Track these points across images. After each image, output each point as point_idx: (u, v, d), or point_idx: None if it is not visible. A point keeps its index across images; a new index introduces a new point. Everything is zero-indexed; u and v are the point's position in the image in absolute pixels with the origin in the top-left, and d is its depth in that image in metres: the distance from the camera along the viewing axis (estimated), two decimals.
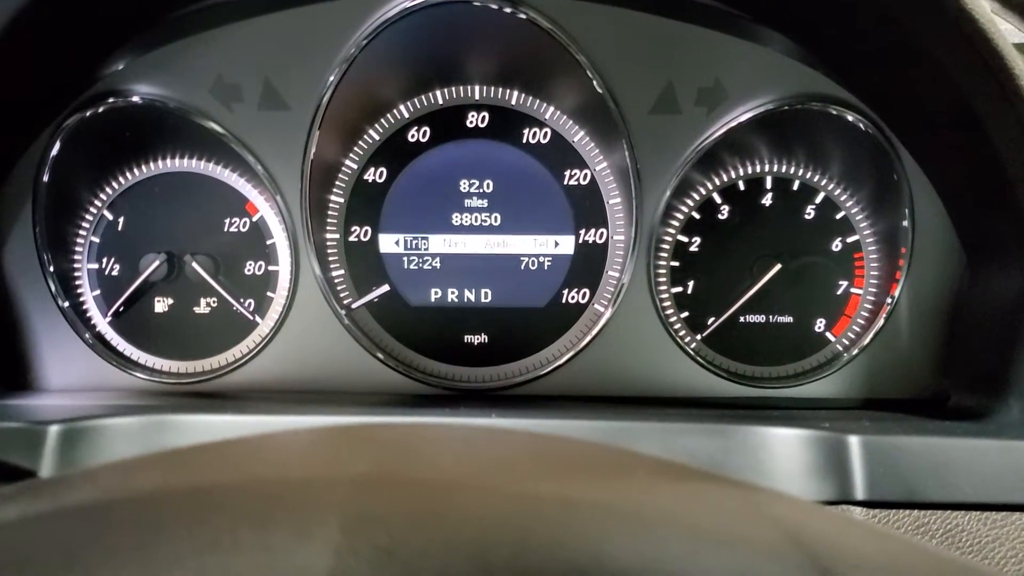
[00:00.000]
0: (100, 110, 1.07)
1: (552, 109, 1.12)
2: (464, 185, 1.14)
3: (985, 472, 0.76)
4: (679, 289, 1.14)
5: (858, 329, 1.13)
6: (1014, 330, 0.89)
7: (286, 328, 1.13)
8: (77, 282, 1.14)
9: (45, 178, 1.08)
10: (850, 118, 1.06)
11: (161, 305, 1.15)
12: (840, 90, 1.06)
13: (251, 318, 1.15)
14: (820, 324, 1.14)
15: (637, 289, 1.13)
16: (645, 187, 1.10)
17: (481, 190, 1.14)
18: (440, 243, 1.15)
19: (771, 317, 1.15)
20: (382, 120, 1.13)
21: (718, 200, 1.13)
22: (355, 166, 1.13)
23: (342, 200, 1.14)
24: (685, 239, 1.14)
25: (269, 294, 1.15)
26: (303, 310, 1.13)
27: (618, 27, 1.05)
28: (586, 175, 1.14)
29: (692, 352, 1.13)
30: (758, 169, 1.13)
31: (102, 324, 1.15)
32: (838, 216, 1.13)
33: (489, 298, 1.16)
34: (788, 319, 1.15)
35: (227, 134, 1.09)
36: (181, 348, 1.15)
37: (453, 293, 1.16)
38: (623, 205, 1.13)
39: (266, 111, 1.08)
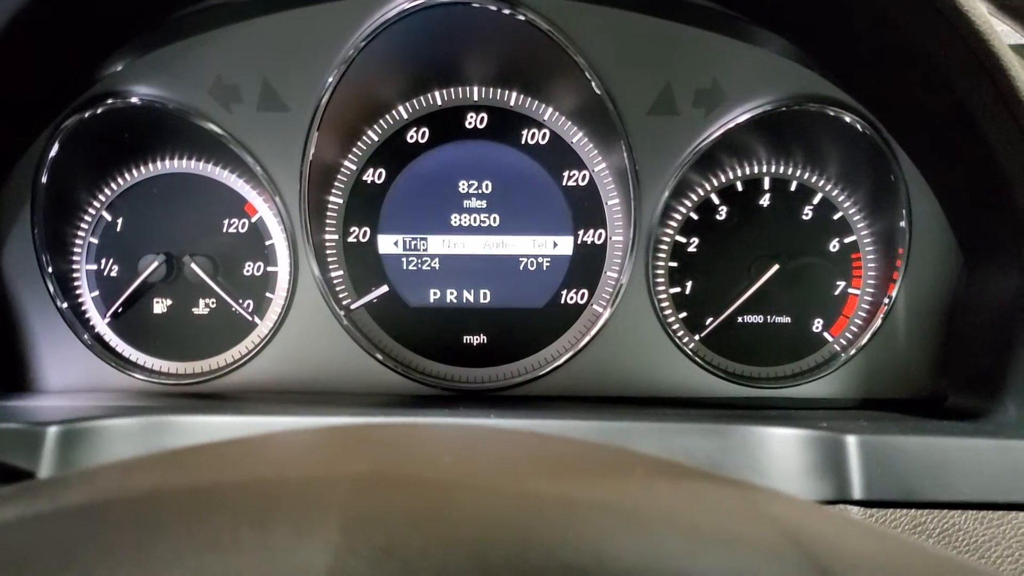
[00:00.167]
0: (99, 111, 1.07)
1: (551, 110, 1.12)
2: (463, 186, 1.14)
3: (982, 472, 0.76)
4: (677, 289, 1.15)
5: (856, 329, 1.14)
6: (1011, 330, 0.89)
7: (285, 329, 1.13)
8: (76, 283, 1.14)
9: (44, 179, 1.08)
10: (847, 119, 1.06)
11: (160, 306, 1.15)
12: (837, 91, 1.06)
13: (250, 319, 1.15)
14: (818, 324, 1.15)
15: (636, 289, 1.13)
16: (643, 188, 1.11)
17: (480, 191, 1.15)
18: (439, 244, 1.15)
19: (769, 317, 1.15)
20: (381, 121, 1.13)
21: (716, 201, 1.14)
22: (354, 167, 1.14)
23: (341, 201, 1.14)
24: (683, 240, 1.14)
25: (268, 295, 1.15)
26: (302, 311, 1.13)
27: (616, 28, 1.05)
28: (585, 176, 1.14)
29: (690, 352, 1.13)
30: (756, 170, 1.13)
31: (101, 325, 1.15)
32: (836, 217, 1.13)
33: (488, 299, 1.16)
34: (786, 319, 1.15)
35: (226, 135, 1.09)
36: (180, 349, 1.15)
37: (452, 294, 1.16)
38: (621, 206, 1.13)
39: (265, 112, 1.09)
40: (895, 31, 0.81)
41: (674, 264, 1.14)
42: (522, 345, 1.16)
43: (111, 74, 1.07)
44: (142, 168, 1.14)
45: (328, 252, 1.14)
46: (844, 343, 1.14)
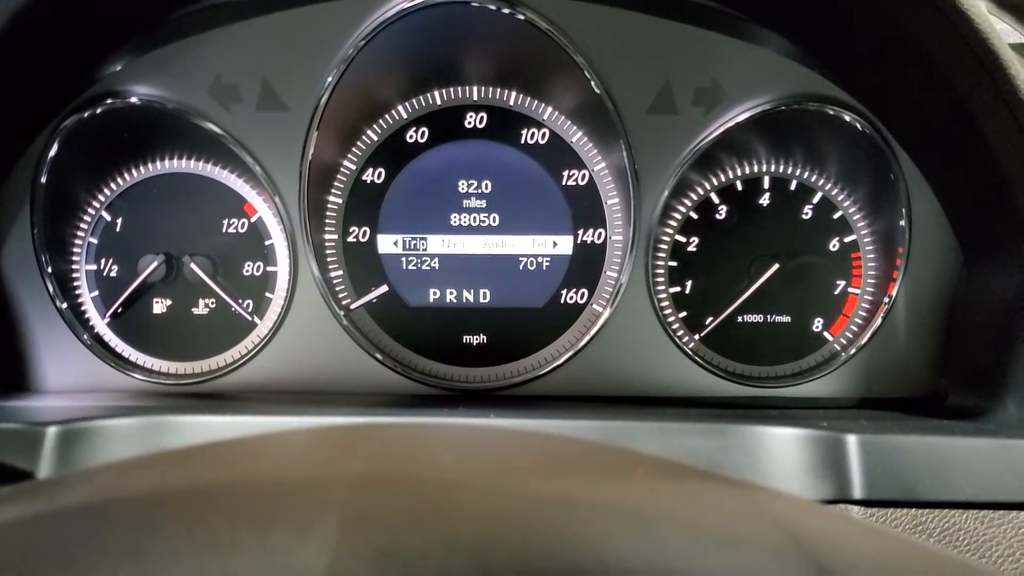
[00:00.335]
0: (98, 111, 1.07)
1: (550, 109, 1.12)
2: (462, 185, 1.14)
3: (983, 471, 0.76)
4: (677, 289, 1.15)
5: (856, 329, 1.14)
6: (1011, 329, 0.89)
7: (285, 329, 1.13)
8: (75, 283, 1.14)
9: (43, 179, 1.08)
10: (847, 118, 1.06)
11: (159, 306, 1.15)
12: (837, 90, 1.06)
13: (249, 319, 1.15)
14: (818, 324, 1.15)
15: (635, 289, 1.13)
16: (643, 187, 1.11)
17: (479, 190, 1.14)
18: (439, 243, 1.15)
19: (769, 317, 1.15)
20: (380, 121, 1.13)
21: (716, 200, 1.13)
22: (353, 167, 1.13)
23: (340, 201, 1.14)
24: (683, 239, 1.14)
25: (268, 295, 1.15)
26: (302, 311, 1.13)
27: (616, 27, 1.05)
28: (584, 175, 1.14)
29: (690, 352, 1.13)
30: (756, 169, 1.13)
31: (100, 325, 1.15)
32: (835, 216, 1.13)
33: (488, 298, 1.16)
34: (786, 319, 1.15)
35: (225, 135, 1.09)
36: (179, 349, 1.15)
37: (452, 293, 1.16)
38: (621, 205, 1.13)
39: (264, 112, 1.08)
40: (895, 29, 0.81)
41: (674, 263, 1.14)
42: (522, 345, 1.16)
43: (110, 74, 1.07)
44: (141, 168, 1.13)
45: (328, 252, 1.14)
46: (844, 342, 1.14)
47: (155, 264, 1.12)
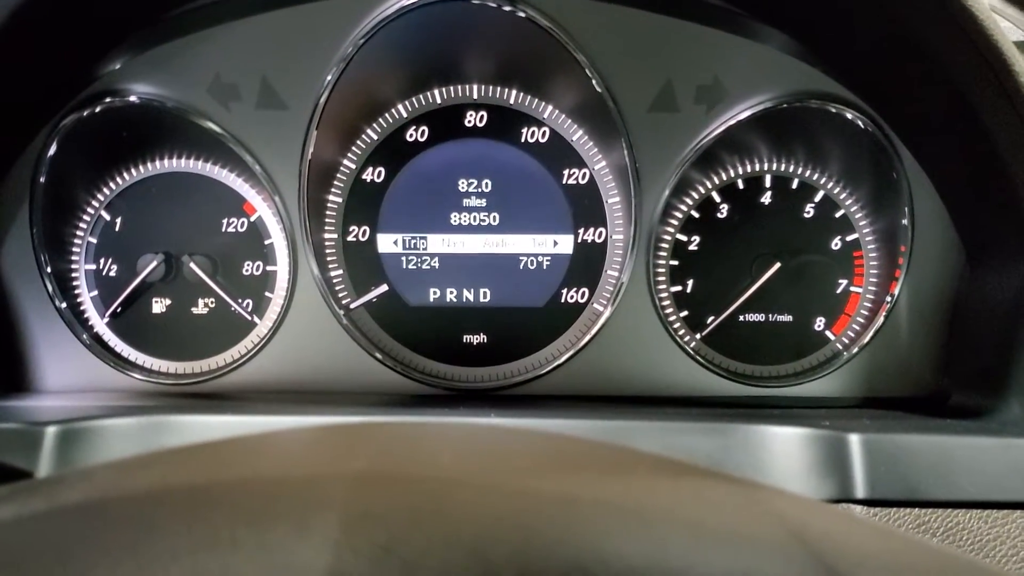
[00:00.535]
0: (97, 110, 1.07)
1: (551, 108, 1.12)
2: (463, 184, 1.14)
3: (986, 470, 0.76)
4: (678, 288, 1.14)
5: (858, 328, 1.13)
6: (1014, 328, 0.88)
7: (284, 328, 1.13)
8: (74, 283, 1.14)
9: (42, 178, 1.08)
10: (849, 116, 1.06)
11: (159, 306, 1.15)
12: (839, 87, 1.06)
13: (249, 318, 1.15)
14: (820, 323, 1.14)
15: (636, 288, 1.12)
16: (644, 186, 1.10)
17: (480, 189, 1.14)
18: (439, 243, 1.15)
19: (771, 316, 1.14)
20: (380, 120, 1.13)
21: (717, 199, 1.13)
22: (353, 166, 1.13)
23: (340, 200, 1.14)
24: (684, 238, 1.14)
25: (267, 294, 1.15)
26: (301, 310, 1.13)
27: (617, 25, 1.05)
28: (585, 174, 1.14)
29: (692, 351, 1.13)
30: (757, 168, 1.13)
31: (100, 325, 1.14)
32: (837, 215, 1.13)
33: (488, 298, 1.16)
34: (788, 318, 1.14)
35: (225, 134, 1.09)
36: (179, 349, 1.15)
37: (452, 293, 1.16)
38: (622, 204, 1.13)
39: (264, 110, 1.08)
40: (897, 26, 0.81)
41: (675, 263, 1.14)
42: (522, 344, 1.15)
43: (109, 72, 1.06)
44: (141, 167, 1.13)
45: (327, 251, 1.14)
46: (846, 341, 1.14)
47: (154, 263, 1.11)
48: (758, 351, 1.15)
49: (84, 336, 1.13)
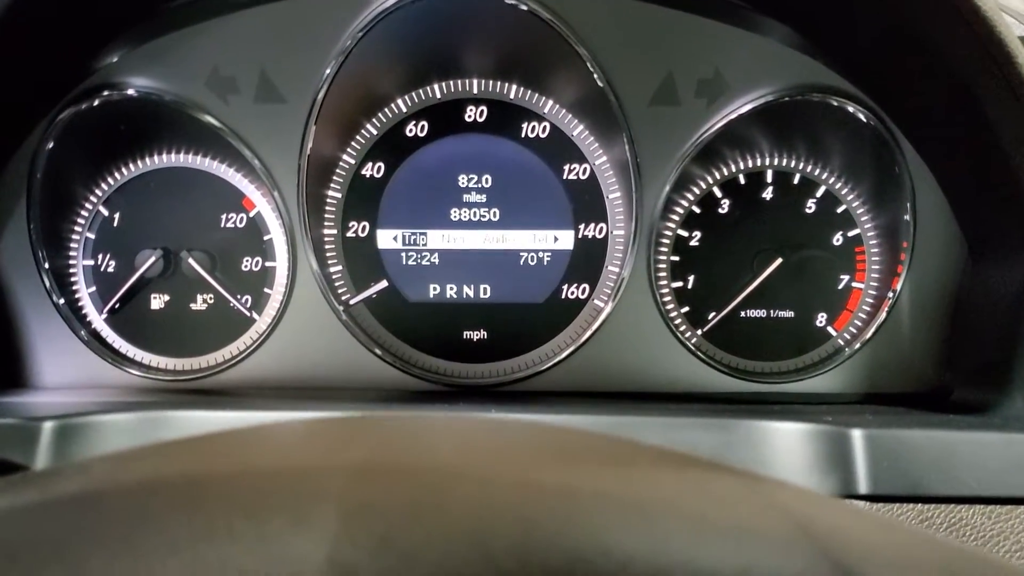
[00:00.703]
0: (95, 104, 1.06)
1: (551, 103, 1.11)
2: (463, 180, 1.14)
3: (989, 466, 0.75)
4: (679, 284, 1.14)
5: (860, 323, 1.13)
6: (1017, 322, 0.88)
7: (283, 324, 1.12)
8: (72, 278, 1.13)
9: (39, 173, 1.07)
10: (850, 109, 1.05)
11: (157, 302, 1.14)
12: (841, 80, 1.05)
13: (248, 314, 1.14)
14: (821, 318, 1.14)
15: (637, 284, 1.12)
16: (645, 181, 1.10)
17: (480, 185, 1.14)
18: (439, 239, 1.14)
19: (772, 312, 1.14)
20: (379, 114, 1.12)
21: (718, 194, 1.13)
22: (352, 161, 1.13)
23: (340, 195, 1.13)
24: (685, 233, 1.13)
25: (266, 290, 1.14)
26: (300, 306, 1.12)
27: (618, 17, 1.04)
28: (585, 169, 1.13)
29: (693, 347, 1.12)
30: (758, 163, 1.12)
31: (97, 321, 1.14)
32: (839, 210, 1.12)
33: (488, 294, 1.15)
34: (789, 314, 1.14)
35: (223, 128, 1.08)
36: (177, 345, 1.14)
37: (452, 289, 1.15)
38: (623, 199, 1.12)
39: (263, 104, 1.08)
40: (899, 17, 0.81)
41: (676, 258, 1.14)
42: (523, 340, 1.15)
43: (106, 65, 1.06)
44: (138, 162, 1.13)
45: (327, 247, 1.13)
46: (848, 337, 1.13)
47: (153, 259, 1.11)
48: (760, 347, 1.14)
49: (82, 332, 1.12)
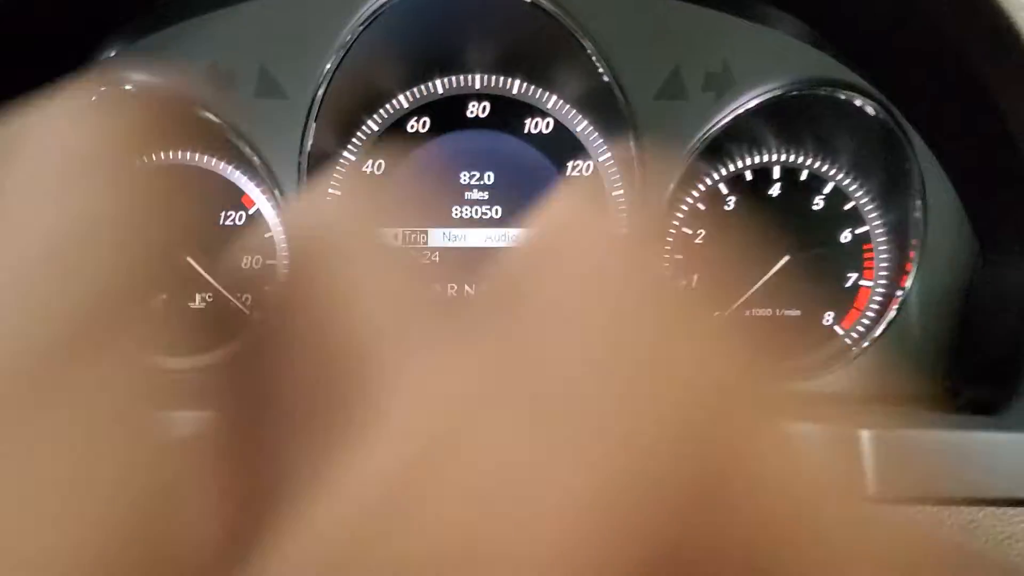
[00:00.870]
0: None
1: (555, 98, 1.10)
2: (464, 177, 1.12)
3: (1000, 466, 0.74)
4: (683, 283, 1.12)
5: (868, 322, 1.11)
6: None
7: None
8: None
9: None
10: (859, 102, 1.04)
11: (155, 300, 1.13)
12: (851, 74, 1.04)
13: (248, 313, 1.13)
14: (829, 317, 1.12)
15: None
16: (650, 177, 1.08)
17: (482, 182, 1.12)
18: (439, 237, 1.13)
19: (778, 311, 1.13)
20: (380, 110, 1.11)
21: (724, 190, 1.11)
22: (353, 158, 1.11)
23: (340, 193, 1.12)
24: (689, 231, 1.12)
25: (267, 288, 1.13)
26: None
27: (623, 9, 1.03)
28: (589, 166, 1.12)
29: None
30: (766, 158, 1.11)
31: None
32: (847, 207, 1.10)
33: None
34: (796, 312, 1.12)
35: (222, 123, 1.07)
36: (176, 344, 1.13)
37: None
38: (626, 196, 1.11)
39: (262, 99, 1.06)
40: (910, 6, 0.79)
41: (679, 256, 1.12)
42: None
43: (103, 60, 1.05)
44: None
45: None
46: (856, 336, 1.12)
47: None
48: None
49: None
